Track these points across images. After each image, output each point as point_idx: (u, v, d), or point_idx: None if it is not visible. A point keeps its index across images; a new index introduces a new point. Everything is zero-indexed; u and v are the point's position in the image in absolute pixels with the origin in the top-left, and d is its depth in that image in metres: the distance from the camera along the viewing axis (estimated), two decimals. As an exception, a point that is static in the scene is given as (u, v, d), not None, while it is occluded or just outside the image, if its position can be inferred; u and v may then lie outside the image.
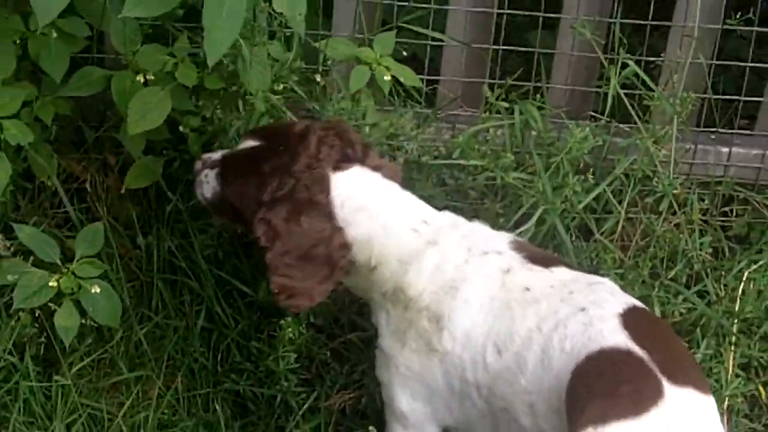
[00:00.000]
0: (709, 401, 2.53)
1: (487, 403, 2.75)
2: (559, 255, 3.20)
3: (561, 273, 2.79)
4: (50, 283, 3.13)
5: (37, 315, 3.23)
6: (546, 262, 2.83)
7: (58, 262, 3.18)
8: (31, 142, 3.17)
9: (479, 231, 2.91)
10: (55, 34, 3.11)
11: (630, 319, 2.63)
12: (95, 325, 3.27)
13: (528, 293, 2.73)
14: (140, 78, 3.17)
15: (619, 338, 2.57)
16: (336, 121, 3.07)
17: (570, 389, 2.56)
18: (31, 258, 3.19)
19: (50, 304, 3.14)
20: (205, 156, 3.04)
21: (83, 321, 3.18)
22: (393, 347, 2.88)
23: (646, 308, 2.79)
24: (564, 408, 2.58)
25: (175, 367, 3.44)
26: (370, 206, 2.87)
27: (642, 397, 2.46)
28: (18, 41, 3.11)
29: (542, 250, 3.02)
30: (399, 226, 2.86)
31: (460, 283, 2.79)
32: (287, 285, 2.83)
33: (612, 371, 2.53)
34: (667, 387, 2.47)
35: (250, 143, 2.95)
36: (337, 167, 2.87)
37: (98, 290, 3.16)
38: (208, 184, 2.99)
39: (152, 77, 3.17)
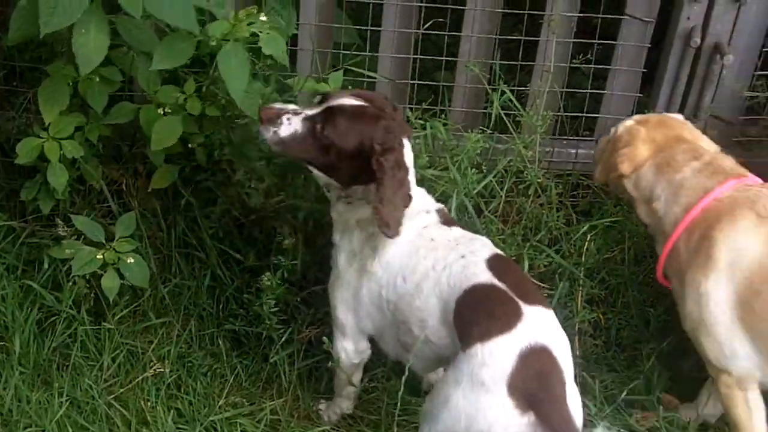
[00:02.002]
0: (551, 313, 2.60)
1: (393, 315, 2.78)
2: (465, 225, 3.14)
3: (455, 231, 2.81)
4: (98, 257, 3.13)
5: (88, 279, 3.22)
6: (450, 224, 2.84)
7: (103, 241, 3.17)
8: (82, 156, 3.17)
9: (425, 198, 2.87)
10: (97, 78, 3.08)
11: (493, 263, 2.67)
12: (131, 285, 3.26)
13: (432, 242, 2.75)
14: (160, 110, 3.13)
15: (486, 276, 2.62)
16: (399, 107, 2.93)
17: (457, 314, 2.60)
18: (83, 239, 3.19)
19: (98, 271, 3.14)
20: (279, 105, 2.76)
21: (122, 282, 3.18)
22: (344, 265, 2.85)
23: (504, 254, 2.81)
24: (452, 326, 2.61)
25: (189, 314, 3.41)
26: (411, 168, 2.77)
27: (510, 316, 2.51)
28: (70, 83, 3.08)
29: (452, 218, 3.00)
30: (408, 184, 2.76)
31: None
32: (389, 219, 2.65)
33: (485, 300, 2.58)
34: (524, 307, 2.53)
35: (355, 101, 2.72)
36: (406, 136, 2.78)
37: (132, 261, 3.17)
38: (289, 126, 2.70)
39: (169, 109, 3.13)
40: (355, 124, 2.69)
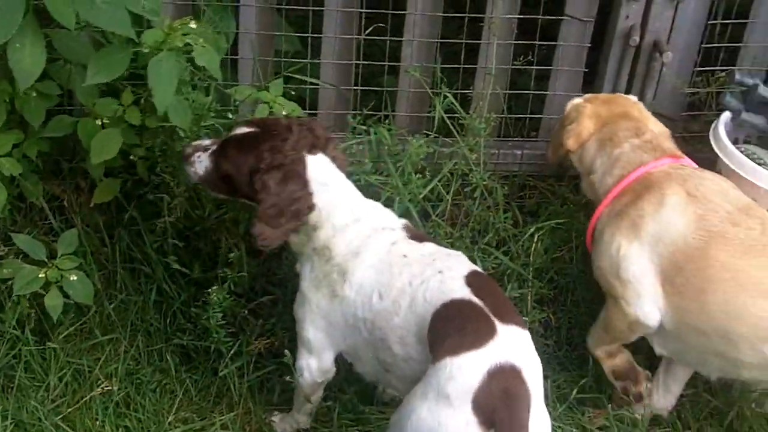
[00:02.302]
0: (526, 334, 2.59)
1: (370, 334, 2.76)
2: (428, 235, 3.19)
3: (429, 247, 2.80)
4: (40, 275, 3.09)
5: (31, 299, 3.17)
6: (421, 239, 2.84)
7: (45, 259, 3.13)
8: (21, 173, 3.12)
9: (386, 215, 2.89)
10: (34, 93, 3.04)
11: (471, 279, 2.66)
12: (75, 303, 3.21)
13: (405, 259, 2.74)
14: (99, 122, 3.09)
15: (463, 292, 2.61)
16: (308, 119, 3.03)
17: (431, 328, 2.60)
18: (23, 257, 3.16)
19: (41, 290, 3.10)
20: (195, 143, 2.93)
21: (66, 301, 3.13)
22: (310, 290, 2.85)
23: (483, 272, 2.81)
24: (425, 340, 2.61)
25: (136, 330, 3.37)
26: (329, 184, 2.83)
27: (482, 333, 2.50)
28: (7, 100, 3.04)
29: (421, 232, 3.02)
30: (343, 204, 2.83)
31: (363, 250, 2.77)
32: (264, 231, 2.76)
33: (460, 315, 2.57)
34: (498, 325, 2.52)
35: (245, 129, 2.85)
36: (309, 152, 2.82)
37: (75, 278, 3.13)
38: (201, 164, 2.88)
39: (107, 121, 3.09)
40: (242, 152, 2.80)
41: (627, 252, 2.93)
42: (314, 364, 2.89)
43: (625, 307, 2.95)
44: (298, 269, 2.91)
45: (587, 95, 3.29)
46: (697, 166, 3.07)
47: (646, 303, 2.92)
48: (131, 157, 3.21)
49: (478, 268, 2.78)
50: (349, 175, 3.21)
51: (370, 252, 2.76)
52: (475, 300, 2.59)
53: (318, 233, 2.82)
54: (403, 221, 2.90)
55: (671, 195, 2.91)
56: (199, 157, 2.88)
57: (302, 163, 2.79)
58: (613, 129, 3.11)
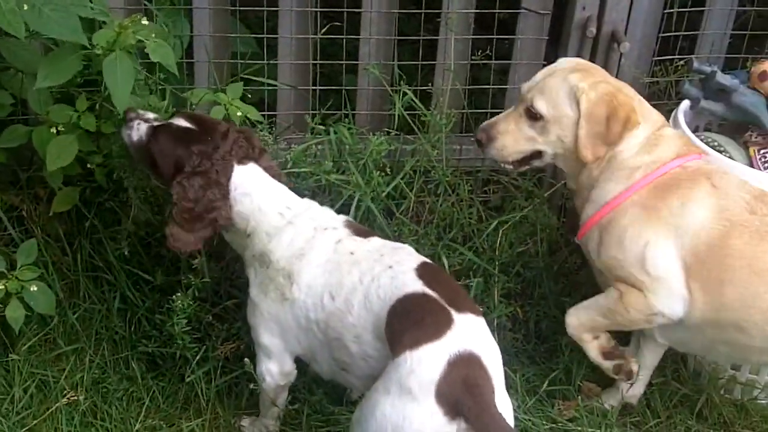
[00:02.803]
0: (481, 321, 2.63)
1: (325, 334, 2.78)
2: (374, 230, 3.18)
3: (375, 242, 2.82)
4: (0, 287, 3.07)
5: None
6: (365, 234, 2.86)
7: (5, 270, 3.11)
8: None
9: (324, 213, 2.91)
10: None
11: (422, 271, 2.68)
12: (38, 314, 3.20)
13: (352, 256, 2.76)
14: (54, 129, 3.08)
15: (417, 285, 2.63)
16: (247, 129, 3.04)
17: (388, 325, 2.61)
18: None
19: (0, 303, 3.07)
20: (141, 111, 2.96)
21: (28, 312, 3.12)
22: (258, 296, 2.87)
23: (432, 263, 2.83)
24: (385, 338, 2.62)
25: (101, 339, 3.37)
26: (252, 193, 2.85)
27: (440, 324, 2.52)
28: None
29: (364, 227, 3.03)
30: (269, 209, 2.85)
31: (307, 251, 2.79)
32: (176, 234, 2.83)
33: (416, 309, 2.59)
34: (455, 315, 2.55)
35: (184, 123, 2.88)
36: (240, 161, 2.86)
37: (36, 288, 3.11)
38: (137, 132, 2.90)
39: (63, 128, 3.08)
40: (172, 145, 2.84)
41: (657, 247, 2.90)
42: (274, 369, 2.91)
43: (652, 300, 2.93)
44: (247, 275, 2.93)
45: (577, 66, 3.09)
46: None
47: (675, 298, 2.92)
48: (89, 165, 3.21)
49: (427, 259, 2.80)
50: (309, 176, 3.27)
51: (315, 252, 2.78)
52: (429, 292, 2.61)
53: (253, 241, 2.86)
54: (344, 217, 2.93)
55: (699, 190, 2.91)
56: (138, 124, 2.91)
57: (228, 172, 2.83)
58: (648, 119, 3.03)
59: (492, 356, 2.54)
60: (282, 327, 2.85)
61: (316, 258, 2.77)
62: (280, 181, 2.95)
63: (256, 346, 2.93)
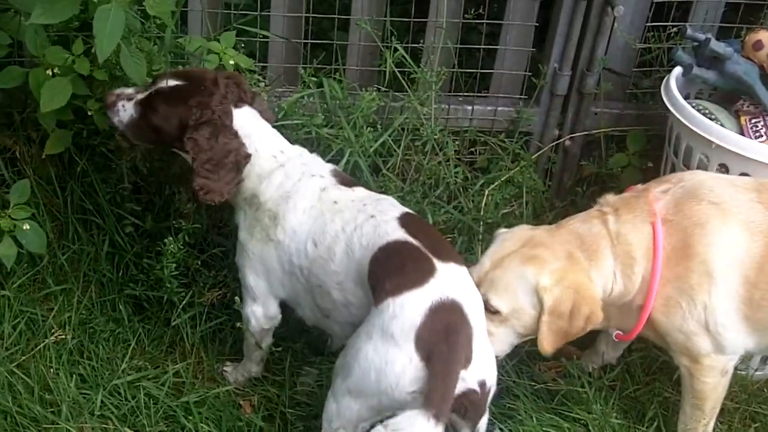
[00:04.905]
0: (464, 270, 2.78)
1: (308, 281, 2.93)
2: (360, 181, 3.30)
3: (359, 192, 2.96)
4: None
5: None
6: (350, 184, 2.99)
7: None
8: None
9: (313, 160, 3.05)
10: None
11: (405, 221, 2.82)
12: (28, 253, 3.36)
13: (336, 205, 2.90)
14: (49, 72, 3.19)
15: (399, 234, 2.77)
16: (234, 73, 3.17)
17: (371, 272, 2.75)
18: None
19: None
20: (118, 91, 3.06)
21: (20, 251, 3.25)
22: (246, 238, 3.02)
23: (415, 213, 2.96)
24: (366, 285, 2.76)
25: (89, 281, 3.53)
26: (252, 135, 2.99)
27: (422, 271, 2.67)
28: None
29: (350, 177, 3.15)
30: (264, 152, 2.99)
31: (293, 194, 2.93)
32: (206, 185, 2.93)
33: (398, 256, 2.73)
34: (437, 263, 2.69)
35: (172, 81, 2.99)
36: (236, 105, 3.00)
37: (28, 227, 3.23)
38: (125, 112, 3.03)
39: (58, 71, 3.19)
40: (171, 106, 2.97)
41: (711, 302, 2.90)
42: (259, 311, 3.08)
43: (716, 360, 2.97)
44: (236, 220, 3.09)
45: (523, 249, 2.97)
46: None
47: (736, 343, 2.97)
48: (89, 112, 3.32)
49: (409, 210, 2.92)
50: (299, 128, 3.42)
51: (300, 196, 2.93)
52: (412, 240, 2.74)
53: (245, 183, 3.00)
54: (332, 166, 3.06)
55: (708, 223, 2.89)
56: (123, 105, 3.04)
57: (229, 115, 2.97)
58: (586, 242, 2.95)
59: (474, 305, 2.69)
60: (267, 268, 3.00)
61: (300, 202, 2.92)
62: (270, 120, 3.11)
63: (242, 288, 3.09)
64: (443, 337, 2.58)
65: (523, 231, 3.07)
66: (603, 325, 3.07)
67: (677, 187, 3.00)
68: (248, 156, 2.98)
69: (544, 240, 2.99)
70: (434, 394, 2.55)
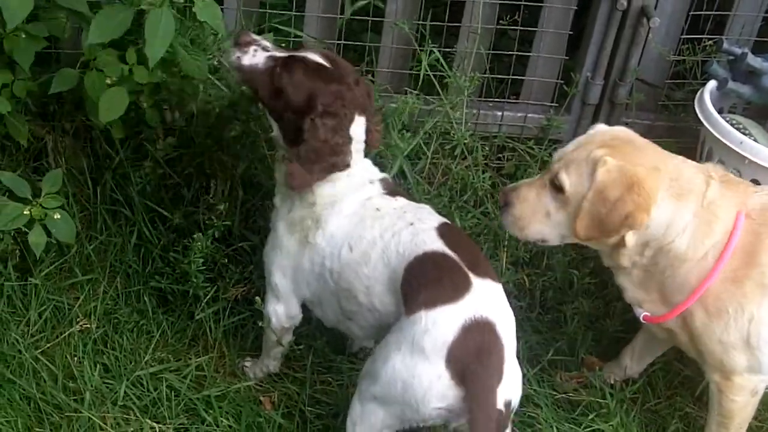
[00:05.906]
0: (499, 288, 2.78)
1: (336, 284, 2.97)
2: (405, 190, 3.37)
3: (401, 201, 2.99)
4: (24, 212, 3.29)
5: (15, 235, 3.41)
6: (394, 194, 3.02)
7: (30, 197, 3.32)
8: (9, 112, 3.32)
9: (371, 170, 3.06)
10: (23, 35, 3.23)
11: (443, 231, 2.84)
12: (57, 242, 3.45)
13: (378, 212, 2.93)
14: (108, 80, 3.25)
15: (437, 245, 2.78)
16: (370, 84, 3.20)
17: (405, 281, 2.77)
18: (8, 195, 3.34)
19: (24, 228, 3.31)
20: (256, 36, 3.01)
21: (49, 239, 3.34)
22: (284, 232, 3.04)
23: (454, 224, 3.01)
24: (399, 293, 2.79)
25: (115, 271, 3.62)
26: (356, 145, 2.98)
27: (458, 286, 2.67)
28: None
29: (396, 187, 3.15)
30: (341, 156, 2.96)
31: (340, 200, 2.96)
32: (295, 172, 2.89)
33: (435, 268, 2.73)
34: (473, 278, 2.70)
35: (319, 59, 2.94)
36: (360, 113, 2.95)
37: (59, 217, 3.32)
38: (253, 58, 2.95)
39: (115, 79, 3.26)
40: (308, 79, 2.89)
41: (759, 314, 2.87)
42: (281, 310, 3.14)
43: (748, 380, 2.97)
44: (277, 204, 3.09)
45: (611, 139, 2.97)
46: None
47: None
48: (141, 106, 3.41)
49: (447, 220, 2.95)
50: None
51: (347, 204, 2.95)
52: (449, 252, 2.75)
53: None
54: (383, 175, 3.09)
55: None
56: (255, 51, 2.96)
57: (353, 119, 2.95)
58: (681, 178, 2.88)
59: (507, 325, 2.69)
60: (296, 268, 3.05)
61: (345, 209, 2.96)
62: (374, 143, 3.08)
63: (267, 285, 3.15)
64: (476, 358, 2.60)
65: (625, 132, 3.03)
66: (635, 299, 3.04)
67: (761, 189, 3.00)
68: (347, 166, 2.97)
69: (643, 146, 2.95)
70: (478, 424, 2.60)
